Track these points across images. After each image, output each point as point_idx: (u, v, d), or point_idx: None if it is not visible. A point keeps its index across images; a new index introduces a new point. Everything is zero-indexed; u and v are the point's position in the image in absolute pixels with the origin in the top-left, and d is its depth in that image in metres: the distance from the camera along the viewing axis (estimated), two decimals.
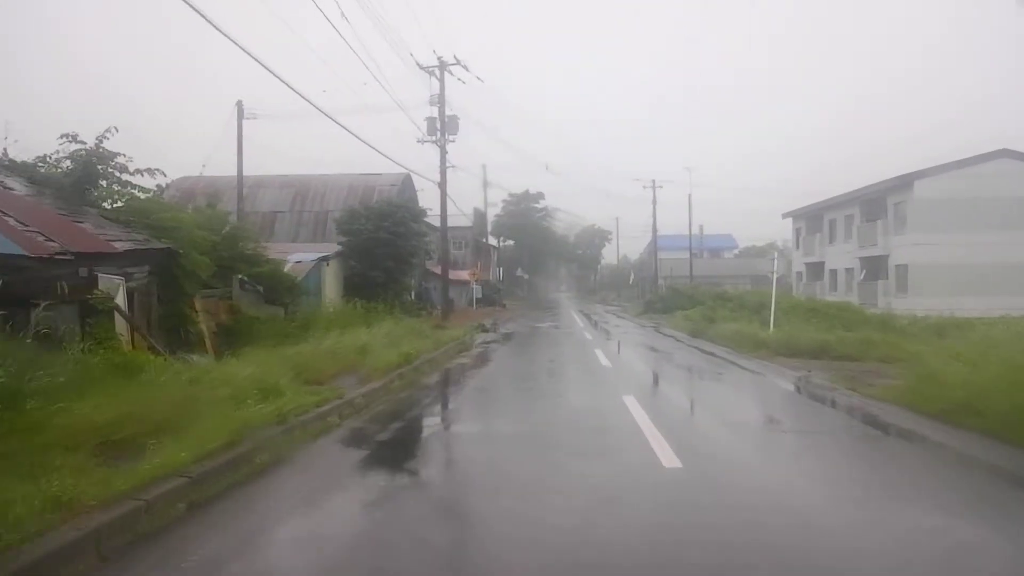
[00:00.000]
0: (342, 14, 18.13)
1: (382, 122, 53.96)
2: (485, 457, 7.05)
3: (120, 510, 4.58)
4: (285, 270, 19.87)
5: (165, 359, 10.64)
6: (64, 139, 13.04)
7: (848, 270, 40.42)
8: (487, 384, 13.26)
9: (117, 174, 13.58)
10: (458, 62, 28.92)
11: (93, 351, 9.09)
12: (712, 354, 18.34)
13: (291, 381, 9.78)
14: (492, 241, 67.28)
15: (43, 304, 9.05)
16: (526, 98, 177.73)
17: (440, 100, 28.71)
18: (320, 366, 11.87)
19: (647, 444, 7.13)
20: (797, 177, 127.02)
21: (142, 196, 13.65)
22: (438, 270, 32.18)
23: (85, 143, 13.05)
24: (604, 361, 16.53)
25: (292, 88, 18.79)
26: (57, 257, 9.62)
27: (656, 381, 14.17)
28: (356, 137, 23.41)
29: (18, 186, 12.20)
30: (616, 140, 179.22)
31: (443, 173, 29.28)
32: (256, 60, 16.16)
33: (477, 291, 45.70)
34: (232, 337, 14.52)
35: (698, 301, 35.41)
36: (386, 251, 25.23)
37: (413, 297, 32.54)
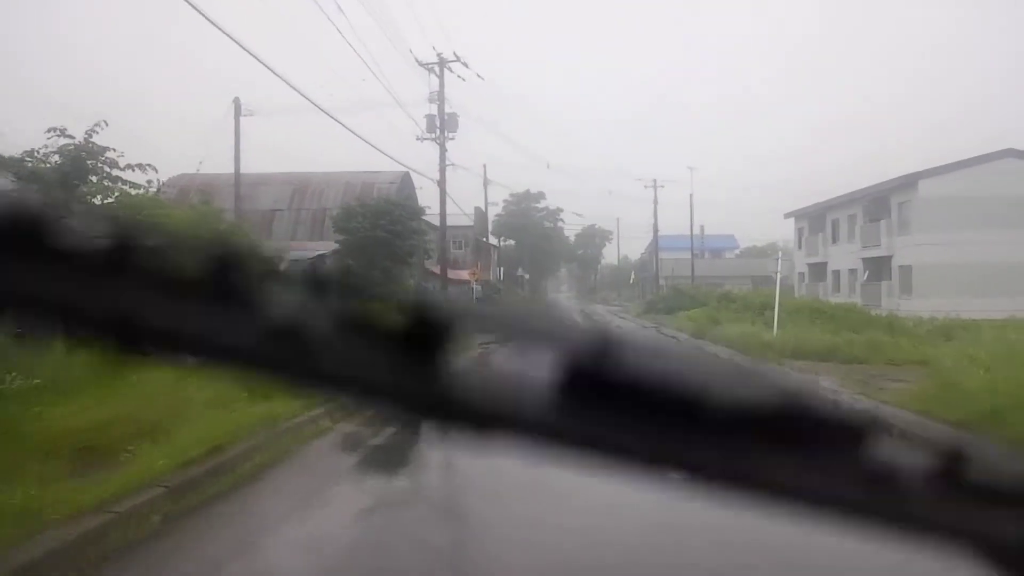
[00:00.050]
0: (339, 7, 17.85)
1: (381, 120, 53.59)
2: (482, 463, 6.68)
3: (86, 525, 4.23)
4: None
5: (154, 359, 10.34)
6: (52, 133, 12.69)
7: (851, 271, 40.10)
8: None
9: (107, 169, 13.23)
10: (458, 59, 28.65)
11: (77, 350, 8.78)
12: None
13: None
14: (493, 240, 66.99)
15: None
16: (526, 98, 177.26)
17: (440, 97, 28.42)
18: None
19: None
20: (798, 178, 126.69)
21: (133, 192, 13.30)
22: (438, 270, 31.84)
23: (73, 137, 12.70)
24: None
25: (290, 84, 18.59)
26: None
27: None
28: (354, 134, 23.19)
29: (3, 181, 11.85)
30: (616, 140, 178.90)
31: (442, 171, 28.99)
32: (254, 56, 15.95)
33: (477, 291, 45.37)
34: None
35: (700, 302, 35.11)
36: (384, 250, 24.88)
37: None
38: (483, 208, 55.83)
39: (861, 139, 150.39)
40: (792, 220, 50.67)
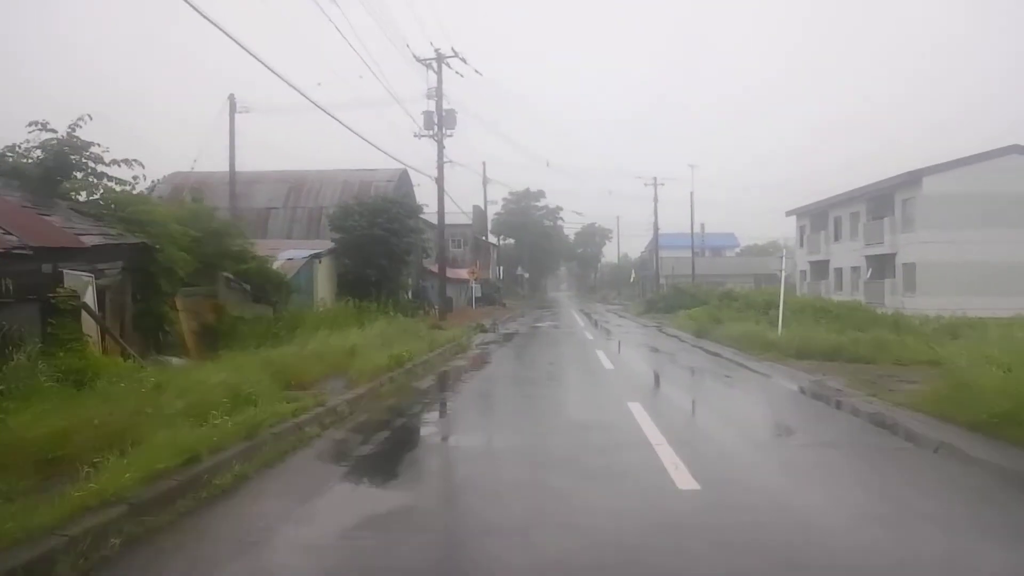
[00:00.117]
0: (337, 4, 17.41)
1: (378, 117, 53.39)
2: (478, 477, 6.26)
3: (32, 552, 3.81)
4: (274, 267, 19.12)
5: (135, 362, 9.92)
6: (33, 127, 12.28)
7: (854, 268, 39.67)
8: (483, 390, 12.49)
9: (92, 165, 12.82)
10: (456, 54, 28.18)
11: (51, 355, 8.36)
12: (718, 355, 17.59)
13: (270, 386, 9.04)
14: (492, 239, 66.51)
15: None
16: (526, 98, 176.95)
17: (437, 93, 27.97)
18: (304, 369, 11.13)
19: (658, 461, 6.35)
20: (798, 177, 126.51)
21: (118, 188, 12.88)
22: (436, 268, 31.41)
23: (56, 131, 12.29)
24: (606, 363, 15.78)
25: (286, 81, 18.12)
26: (15, 252, 8.87)
27: (662, 386, 13.41)
28: (351, 131, 22.77)
29: None
30: (617, 140, 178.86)
31: (440, 168, 28.53)
32: (249, 53, 15.49)
33: (476, 290, 44.95)
34: (216, 338, 13.80)
35: (701, 300, 34.68)
36: (380, 248, 24.45)
37: (410, 296, 31.77)
38: (482, 206, 55.36)
39: (861, 139, 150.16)
40: (794, 218, 50.22)
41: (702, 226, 73.33)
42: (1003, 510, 5.24)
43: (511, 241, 79.38)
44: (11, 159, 12.30)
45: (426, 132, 28.55)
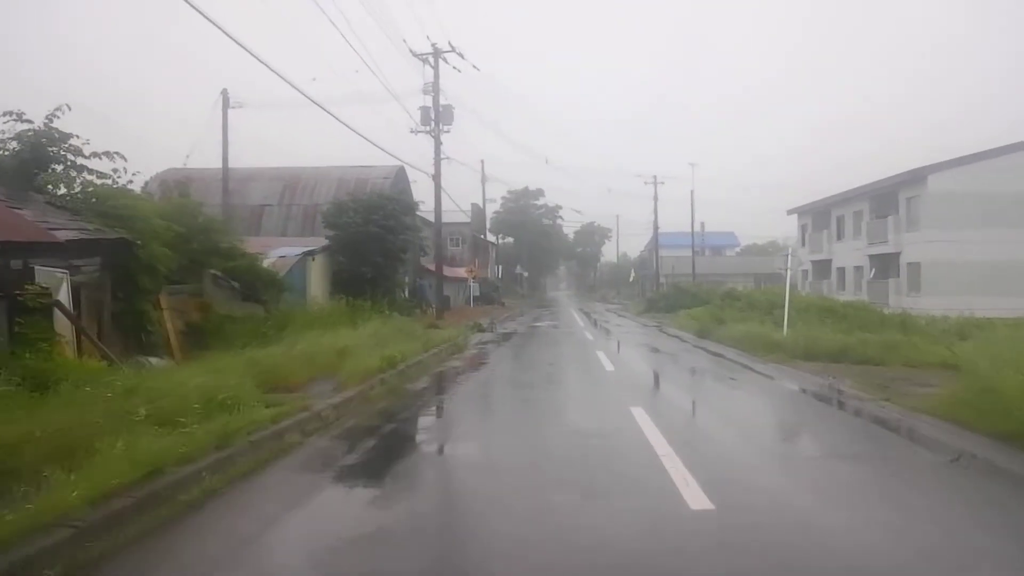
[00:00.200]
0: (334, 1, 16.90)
1: (375, 114, 52.94)
2: (469, 496, 5.70)
3: None
4: (266, 265, 18.58)
5: (112, 364, 9.40)
6: (8, 117, 11.74)
7: (857, 268, 39.16)
8: (479, 393, 11.96)
9: (71, 157, 12.29)
10: (453, 49, 27.68)
11: (19, 356, 7.85)
12: (722, 356, 17.08)
13: (253, 389, 8.52)
14: (491, 238, 66.01)
15: None
16: (526, 97, 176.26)
17: (434, 88, 27.44)
18: (291, 371, 10.62)
19: (666, 475, 5.82)
20: (798, 177, 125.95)
21: (98, 181, 12.34)
22: (433, 267, 30.88)
23: (32, 122, 11.76)
24: (607, 365, 15.26)
25: (280, 76, 17.64)
26: None
27: (665, 389, 12.87)
28: (346, 126, 22.36)
29: None
30: (616, 140, 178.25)
31: (437, 164, 28.00)
32: (243, 47, 15.01)
33: (475, 289, 44.44)
34: (202, 338, 13.29)
35: (702, 300, 34.17)
36: (375, 246, 23.90)
37: (407, 295, 31.26)
38: (481, 205, 54.86)
39: (861, 139, 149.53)
40: (795, 217, 49.68)
41: (702, 225, 72.86)
42: None
43: (510, 240, 78.89)
44: None
45: (423, 128, 28.04)
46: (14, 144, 11.84)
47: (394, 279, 26.85)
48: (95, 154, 12.40)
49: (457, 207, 43.21)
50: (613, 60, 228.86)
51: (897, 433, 8.22)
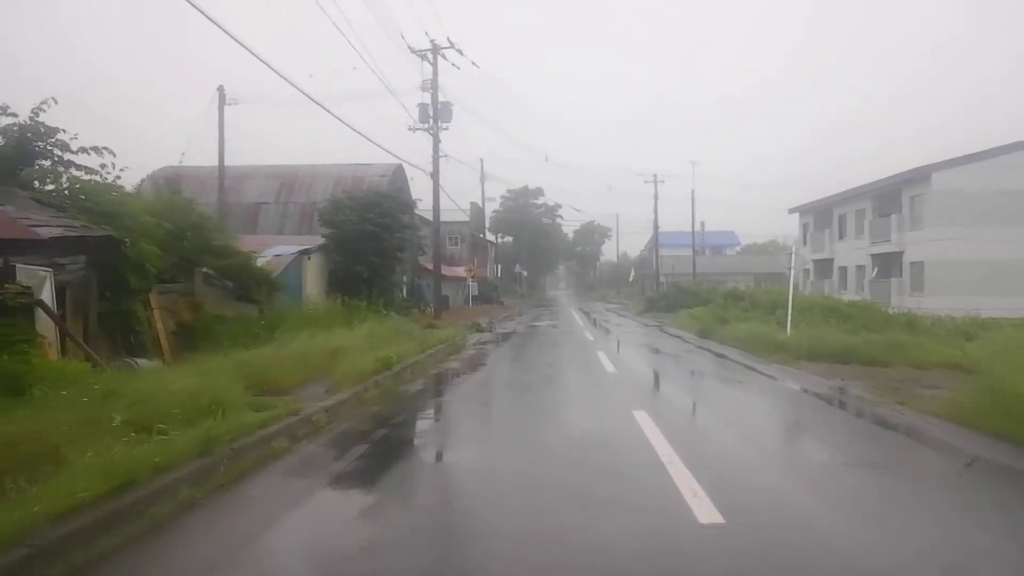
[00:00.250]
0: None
1: (373, 111, 52.55)
2: (463, 509, 5.33)
3: None
4: (260, 263, 18.24)
5: (96, 366, 9.06)
6: None
7: (859, 267, 38.87)
8: (476, 395, 11.62)
9: (58, 153, 11.95)
10: (451, 45, 27.34)
11: None
12: (725, 357, 16.77)
13: (242, 392, 8.20)
14: (490, 237, 65.68)
15: None
16: (526, 97, 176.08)
17: (433, 85, 27.13)
18: (282, 373, 10.29)
19: (672, 486, 5.47)
20: (798, 177, 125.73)
21: (86, 177, 12.00)
22: (432, 266, 30.55)
23: (17, 116, 11.43)
24: (608, 366, 14.93)
25: (278, 73, 17.38)
26: None
27: (668, 392, 12.53)
28: (344, 123, 22.01)
29: None
30: (617, 139, 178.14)
31: (435, 162, 27.68)
32: (239, 43, 14.73)
33: (473, 288, 44.14)
34: (193, 338, 12.96)
35: (703, 299, 33.88)
36: (371, 244, 23.55)
37: (404, 294, 30.92)
38: (480, 204, 54.52)
39: (861, 139, 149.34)
40: (796, 216, 49.39)
41: (702, 224, 72.60)
42: None
43: (509, 239, 78.58)
44: None
45: (421, 125, 27.74)
46: None
47: (391, 278, 26.51)
48: (83, 149, 12.05)
49: (456, 206, 42.90)
50: (613, 60, 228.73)
51: (916, 440, 7.89)
